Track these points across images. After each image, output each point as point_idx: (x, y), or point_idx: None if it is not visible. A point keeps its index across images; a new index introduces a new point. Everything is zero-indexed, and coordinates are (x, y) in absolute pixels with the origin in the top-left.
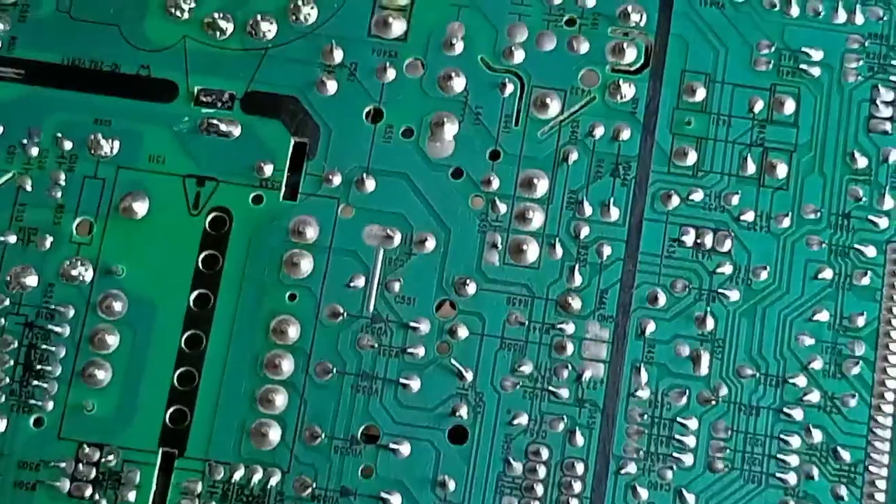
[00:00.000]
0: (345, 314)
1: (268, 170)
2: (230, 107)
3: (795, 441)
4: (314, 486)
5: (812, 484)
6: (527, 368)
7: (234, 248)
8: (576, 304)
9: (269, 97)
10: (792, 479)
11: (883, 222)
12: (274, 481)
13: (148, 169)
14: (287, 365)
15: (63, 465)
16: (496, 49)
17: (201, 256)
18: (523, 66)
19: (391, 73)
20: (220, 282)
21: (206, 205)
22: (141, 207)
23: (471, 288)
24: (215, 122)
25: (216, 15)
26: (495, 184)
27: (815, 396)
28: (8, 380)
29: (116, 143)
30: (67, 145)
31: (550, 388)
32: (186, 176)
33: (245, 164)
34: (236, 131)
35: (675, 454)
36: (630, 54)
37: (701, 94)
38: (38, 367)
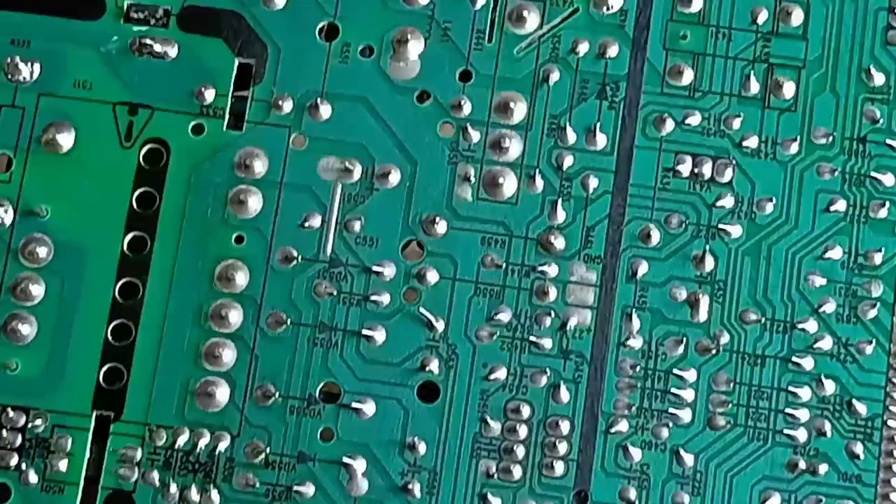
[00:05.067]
0: (299, 258)
1: (209, 95)
2: (165, 24)
3: (805, 393)
4: (268, 451)
5: (824, 441)
6: (504, 316)
7: (173, 185)
8: (559, 243)
9: (208, 12)
10: (802, 435)
11: None
12: (223, 447)
13: (73, 96)
14: (235, 316)
15: None
16: None
17: (135, 194)
18: None
19: None
20: (157, 223)
21: (140, 136)
22: (66, 139)
23: (440, 227)
24: (148, 41)
25: None
26: (467, 108)
27: (827, 343)
28: None
29: (37, 67)
30: None
31: (531, 338)
32: (117, 103)
33: (183, 89)
34: (172, 52)
35: (671, 410)
36: None
37: (698, 3)
38: None
